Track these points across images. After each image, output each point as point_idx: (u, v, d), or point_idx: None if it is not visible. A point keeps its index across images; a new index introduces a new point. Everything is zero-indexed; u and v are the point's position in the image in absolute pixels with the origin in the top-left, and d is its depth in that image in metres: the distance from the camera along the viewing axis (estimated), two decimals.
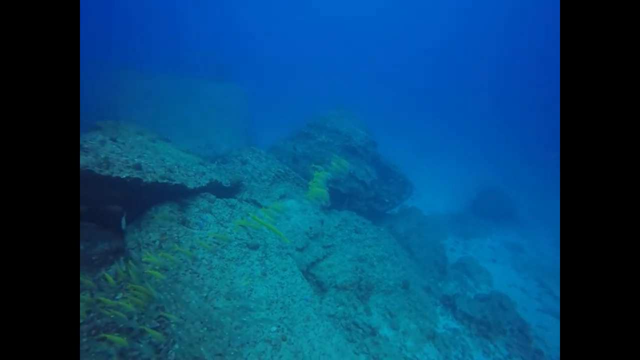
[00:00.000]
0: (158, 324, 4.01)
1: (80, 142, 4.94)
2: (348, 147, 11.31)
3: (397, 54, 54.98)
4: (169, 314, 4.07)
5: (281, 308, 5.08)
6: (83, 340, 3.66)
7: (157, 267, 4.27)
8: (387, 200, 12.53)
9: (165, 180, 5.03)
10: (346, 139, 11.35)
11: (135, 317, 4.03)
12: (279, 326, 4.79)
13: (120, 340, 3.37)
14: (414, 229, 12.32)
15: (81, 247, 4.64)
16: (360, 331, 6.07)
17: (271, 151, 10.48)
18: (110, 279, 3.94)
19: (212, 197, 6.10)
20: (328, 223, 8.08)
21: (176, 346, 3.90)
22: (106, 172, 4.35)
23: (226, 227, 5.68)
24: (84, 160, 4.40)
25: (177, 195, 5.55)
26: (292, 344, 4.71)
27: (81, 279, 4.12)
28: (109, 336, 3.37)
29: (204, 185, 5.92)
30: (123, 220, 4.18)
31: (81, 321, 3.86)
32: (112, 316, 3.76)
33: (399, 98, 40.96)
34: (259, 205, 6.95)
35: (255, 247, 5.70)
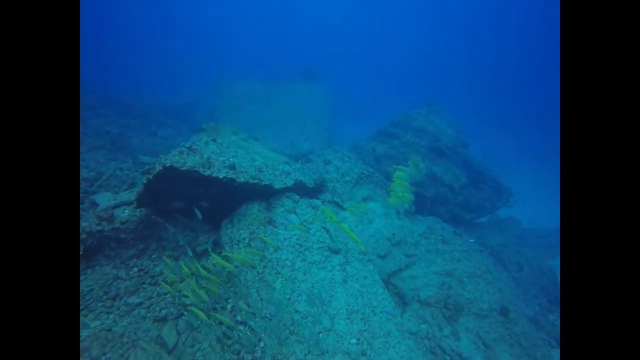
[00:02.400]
0: (247, 319, 4.14)
1: (190, 144, 5.46)
2: (435, 148, 10.25)
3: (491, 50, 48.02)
4: (244, 306, 4.16)
5: (361, 319, 4.77)
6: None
7: (237, 263, 4.39)
8: (476, 207, 11.01)
9: (255, 181, 5.19)
10: (433, 139, 10.30)
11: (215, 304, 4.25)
12: (358, 339, 4.49)
13: (203, 316, 3.49)
14: (509, 243, 10.55)
15: (187, 237, 5.14)
16: (448, 358, 5.34)
17: (353, 151, 10.20)
18: (185, 268, 4.08)
19: (297, 197, 6.13)
20: (412, 230, 7.41)
21: (261, 344, 3.96)
22: (208, 172, 4.67)
23: (309, 229, 5.62)
24: (192, 160, 4.81)
25: (265, 194, 5.72)
26: None
27: (166, 260, 4.40)
28: (194, 309, 3.53)
29: (289, 185, 5.98)
30: (197, 212, 4.41)
31: (188, 302, 4.23)
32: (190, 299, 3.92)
33: (494, 97, 36.01)
34: (342, 208, 6.74)
35: (336, 252, 5.50)
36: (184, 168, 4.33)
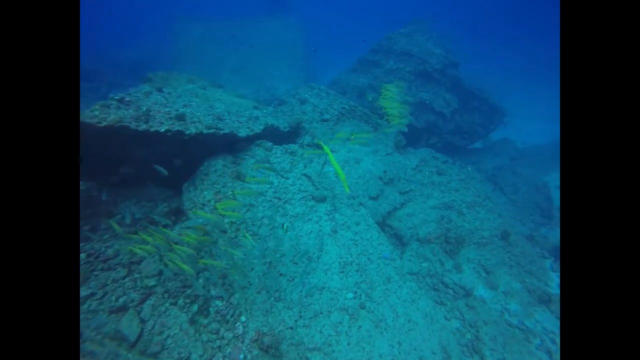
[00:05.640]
0: (224, 292, 3.44)
1: (124, 95, 4.21)
2: (422, 72, 8.89)
3: None
4: (232, 278, 3.45)
5: (357, 270, 4.14)
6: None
7: (204, 230, 3.57)
8: (469, 132, 10.09)
9: (211, 130, 4.10)
10: (420, 62, 8.89)
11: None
12: (355, 292, 3.90)
13: (187, 269, 2.80)
14: (504, 166, 9.90)
15: (143, 209, 4.22)
16: (451, 292, 4.92)
17: (332, 86, 8.83)
18: (146, 237, 3.25)
19: (269, 144, 5.09)
20: (404, 164, 6.56)
21: (243, 318, 3.33)
22: (144, 127, 3.55)
23: (287, 179, 4.71)
24: (122, 114, 3.65)
25: (229, 145, 4.67)
26: (372, 312, 3.82)
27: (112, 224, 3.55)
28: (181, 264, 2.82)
29: (258, 131, 4.89)
30: (159, 169, 3.47)
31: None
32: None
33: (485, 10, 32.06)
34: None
35: (322, 200, 4.68)
36: (102, 124, 3.19)
